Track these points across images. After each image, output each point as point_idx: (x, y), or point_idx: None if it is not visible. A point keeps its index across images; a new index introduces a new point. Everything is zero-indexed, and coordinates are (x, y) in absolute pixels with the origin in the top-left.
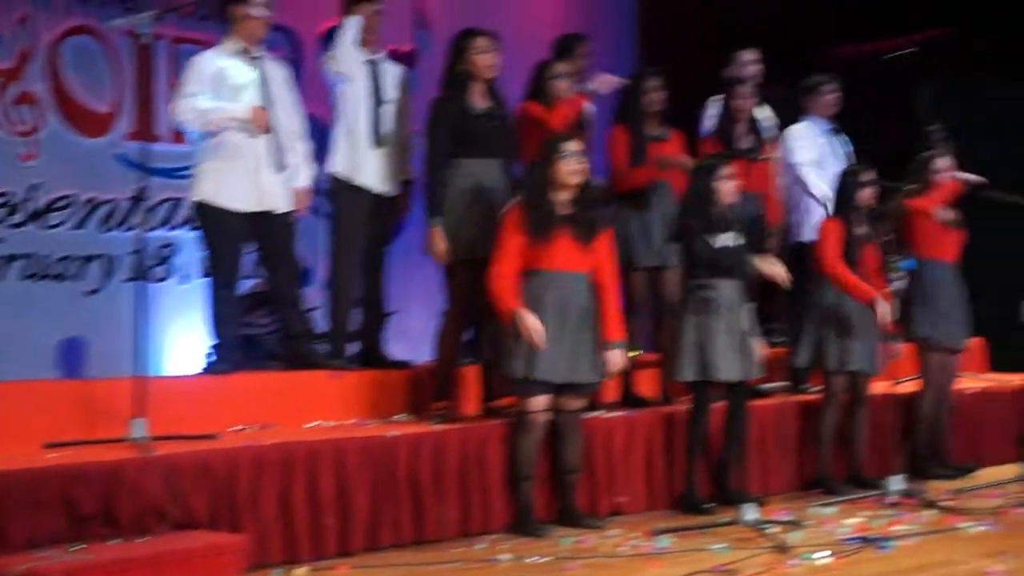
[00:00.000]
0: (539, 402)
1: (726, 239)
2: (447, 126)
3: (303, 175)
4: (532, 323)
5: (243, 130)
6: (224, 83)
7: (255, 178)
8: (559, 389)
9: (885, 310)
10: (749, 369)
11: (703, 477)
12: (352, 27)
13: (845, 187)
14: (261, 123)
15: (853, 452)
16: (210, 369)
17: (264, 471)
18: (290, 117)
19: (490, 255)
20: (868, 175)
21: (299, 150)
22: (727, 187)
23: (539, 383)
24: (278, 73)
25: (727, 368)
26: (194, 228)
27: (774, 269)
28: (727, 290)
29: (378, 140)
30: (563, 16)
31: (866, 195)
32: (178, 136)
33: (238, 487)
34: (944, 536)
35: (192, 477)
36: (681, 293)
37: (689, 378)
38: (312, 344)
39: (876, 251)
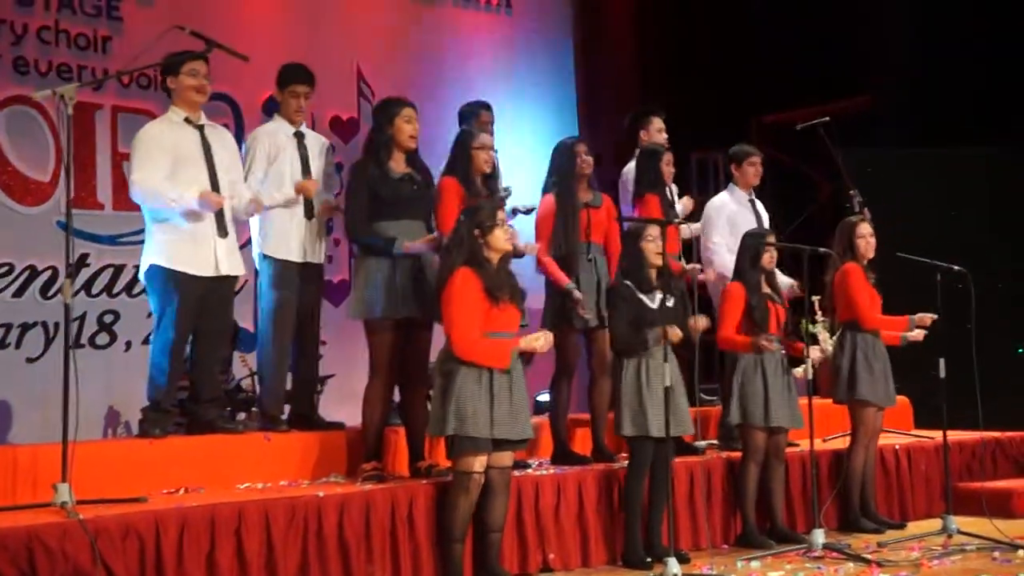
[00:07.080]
0: (482, 461)
1: (656, 299)
2: (366, 188)
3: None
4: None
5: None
6: (175, 153)
7: (205, 243)
8: (493, 447)
9: (773, 344)
10: (680, 425)
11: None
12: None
13: (749, 249)
14: (214, 205)
15: (772, 506)
16: (143, 432)
17: (190, 533)
18: (234, 183)
19: (411, 315)
20: (770, 238)
21: (245, 196)
22: (654, 249)
23: (482, 442)
24: (220, 139)
25: (660, 424)
26: (139, 292)
27: (697, 323)
28: (659, 348)
29: (308, 211)
30: (502, 80)
31: (768, 258)
32: (119, 203)
33: (164, 549)
34: None
35: (117, 540)
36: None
37: (628, 434)
38: (218, 409)
39: (781, 311)
